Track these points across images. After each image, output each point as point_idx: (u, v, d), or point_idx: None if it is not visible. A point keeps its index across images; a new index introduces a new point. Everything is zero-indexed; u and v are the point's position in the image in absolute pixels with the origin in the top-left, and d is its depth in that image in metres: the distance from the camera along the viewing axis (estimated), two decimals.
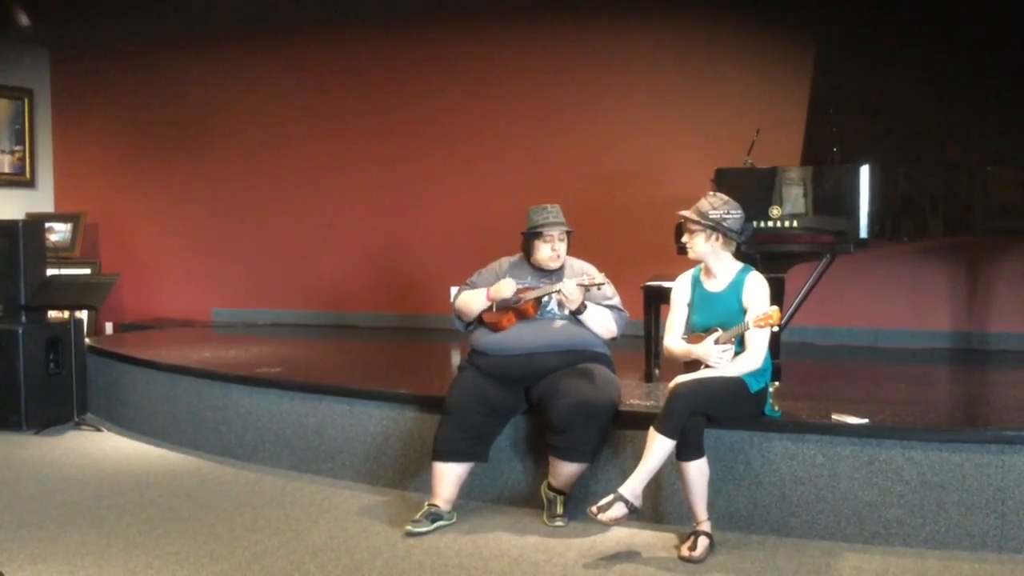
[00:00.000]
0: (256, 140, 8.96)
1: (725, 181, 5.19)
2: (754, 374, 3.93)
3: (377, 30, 8.52)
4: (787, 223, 5.10)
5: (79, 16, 9.28)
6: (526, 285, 4.39)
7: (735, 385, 3.89)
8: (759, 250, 5.00)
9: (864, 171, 5.13)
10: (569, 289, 4.17)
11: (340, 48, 8.67)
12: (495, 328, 4.33)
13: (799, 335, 6.74)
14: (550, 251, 4.36)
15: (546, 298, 4.33)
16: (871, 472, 3.92)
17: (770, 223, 5.10)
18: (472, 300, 4.43)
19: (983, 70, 6.03)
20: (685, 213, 4.03)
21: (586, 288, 4.25)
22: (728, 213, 3.96)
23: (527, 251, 4.46)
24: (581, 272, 4.34)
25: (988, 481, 3.80)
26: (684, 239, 4.08)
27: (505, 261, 4.58)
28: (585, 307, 4.26)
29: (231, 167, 9.06)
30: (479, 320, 4.43)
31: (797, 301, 5.30)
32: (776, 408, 4.09)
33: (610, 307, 4.37)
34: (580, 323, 4.32)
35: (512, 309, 4.32)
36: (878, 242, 5.38)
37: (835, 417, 4.07)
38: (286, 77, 8.85)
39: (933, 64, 6.10)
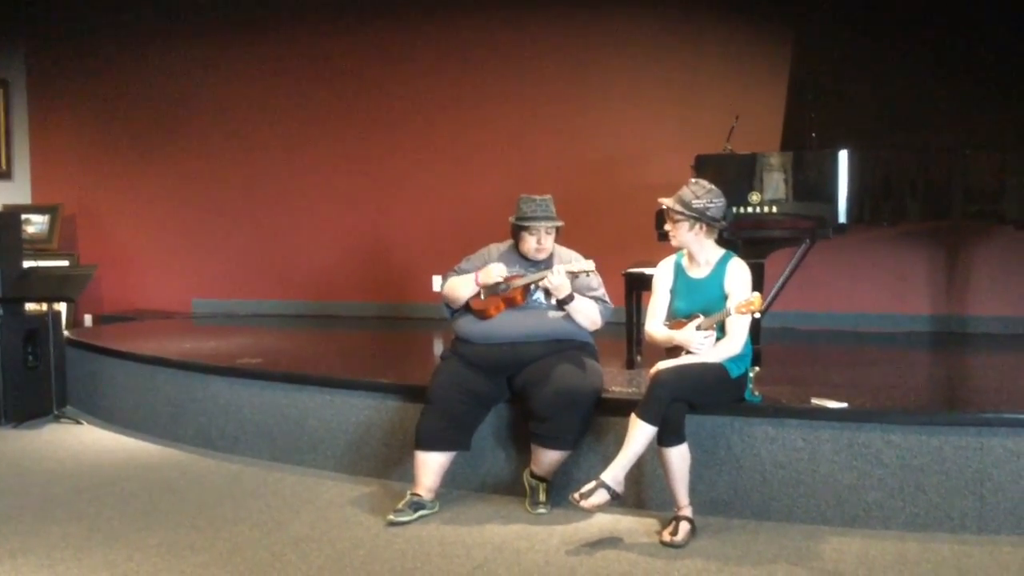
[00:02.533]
0: (235, 129, 8.90)
1: (705, 167, 5.19)
2: (735, 359, 3.94)
3: (356, 18, 8.49)
4: (767, 209, 5.12)
5: (55, 7, 9.22)
6: (515, 273, 4.38)
7: (716, 371, 3.90)
8: (739, 236, 5.01)
9: (843, 156, 5.15)
10: (557, 277, 4.17)
11: (319, 37, 8.62)
12: (482, 315, 4.32)
13: (779, 320, 6.77)
14: (535, 244, 4.34)
15: (533, 286, 4.32)
16: (851, 455, 3.94)
17: (750, 209, 5.11)
18: (460, 286, 4.41)
19: (960, 55, 6.05)
20: (667, 202, 4.01)
21: (574, 275, 4.25)
22: (711, 202, 3.95)
23: (516, 240, 4.45)
24: (569, 261, 4.33)
25: (967, 463, 3.83)
26: (667, 227, 4.07)
27: (494, 248, 4.55)
28: (573, 297, 4.25)
29: (210, 157, 9.00)
30: (466, 307, 4.41)
31: (777, 286, 5.32)
32: (756, 393, 4.11)
33: (595, 298, 4.37)
34: (565, 313, 4.31)
35: (500, 296, 4.31)
36: (857, 227, 5.40)
37: (815, 401, 4.09)
38: (265, 66, 8.79)
39: (910, 49, 6.12)
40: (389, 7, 8.36)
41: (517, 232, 4.39)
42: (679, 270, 4.12)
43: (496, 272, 4.30)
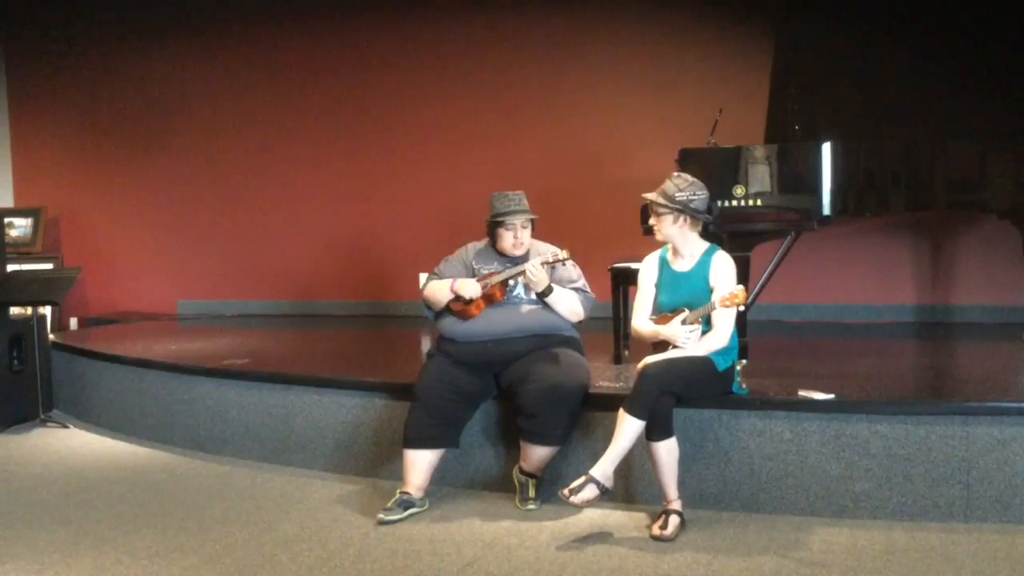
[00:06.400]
0: (217, 129, 8.86)
1: (689, 161, 5.20)
2: (721, 353, 3.95)
3: (339, 18, 8.45)
4: (751, 202, 5.13)
5: (35, 8, 9.16)
6: (492, 270, 4.38)
7: (703, 364, 3.91)
8: (724, 229, 5.03)
9: (826, 148, 5.17)
10: (534, 269, 4.17)
11: (301, 36, 8.58)
12: (463, 317, 4.32)
13: (765, 312, 6.79)
14: (512, 239, 4.34)
15: (512, 281, 4.33)
16: (838, 447, 3.96)
17: (734, 202, 5.12)
18: (438, 291, 4.42)
19: (941, 46, 6.07)
20: (650, 196, 4.02)
21: (551, 266, 4.25)
22: (694, 194, 3.96)
23: (492, 238, 4.45)
24: (545, 254, 4.33)
25: (953, 452, 3.85)
26: (651, 221, 4.08)
27: (471, 248, 4.56)
28: (551, 289, 4.26)
29: (193, 158, 8.96)
30: (447, 308, 4.41)
31: (763, 279, 5.34)
32: (743, 386, 4.12)
33: (576, 290, 4.37)
34: (547, 307, 4.32)
35: (479, 295, 4.31)
36: (841, 218, 5.43)
37: (802, 393, 4.11)
38: (246, 65, 8.75)
39: (892, 40, 6.14)
40: (371, 6, 8.34)
41: (493, 230, 4.40)
42: (664, 264, 4.13)
43: (470, 291, 4.30)
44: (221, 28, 8.80)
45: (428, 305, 4.52)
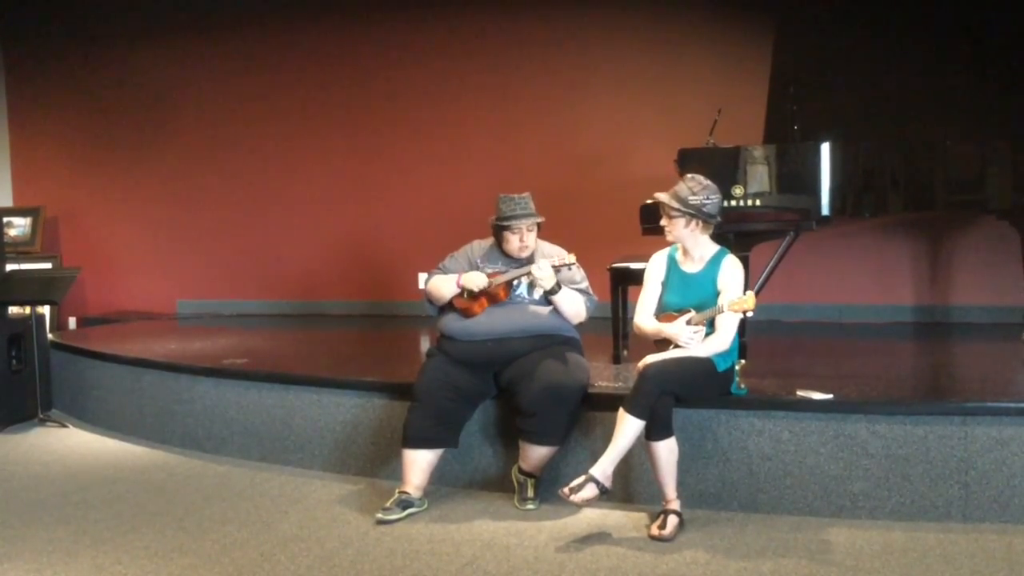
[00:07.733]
0: (218, 129, 8.86)
1: (688, 161, 5.20)
2: (722, 354, 3.95)
3: (340, 18, 8.45)
4: (750, 202, 5.13)
5: (34, 6, 9.16)
6: (497, 270, 4.38)
7: (703, 364, 3.91)
8: (723, 229, 5.02)
9: (825, 148, 5.17)
10: (542, 269, 4.17)
11: (302, 36, 8.58)
12: (466, 313, 4.32)
13: (764, 312, 6.74)
14: (518, 243, 4.34)
15: (516, 282, 4.33)
16: (837, 446, 3.97)
17: (733, 202, 5.13)
18: (443, 286, 4.42)
19: (941, 46, 6.08)
20: (663, 197, 3.99)
21: (556, 269, 4.25)
22: (708, 198, 3.93)
23: (498, 239, 4.45)
24: (551, 255, 4.33)
25: (952, 453, 3.85)
26: (663, 222, 4.04)
27: (477, 245, 4.56)
28: (560, 287, 4.25)
29: (193, 157, 8.95)
30: (450, 304, 4.41)
31: (762, 279, 5.34)
32: (742, 386, 4.12)
33: (579, 291, 4.37)
34: (550, 307, 4.32)
35: (483, 293, 4.32)
36: (840, 218, 5.43)
37: (800, 393, 4.11)
38: (247, 65, 8.74)
39: (891, 41, 6.15)
40: (372, 5, 8.33)
41: (499, 232, 4.40)
42: (672, 264, 4.12)
43: (478, 282, 4.30)
44: (221, 28, 8.79)
45: (430, 300, 4.51)
